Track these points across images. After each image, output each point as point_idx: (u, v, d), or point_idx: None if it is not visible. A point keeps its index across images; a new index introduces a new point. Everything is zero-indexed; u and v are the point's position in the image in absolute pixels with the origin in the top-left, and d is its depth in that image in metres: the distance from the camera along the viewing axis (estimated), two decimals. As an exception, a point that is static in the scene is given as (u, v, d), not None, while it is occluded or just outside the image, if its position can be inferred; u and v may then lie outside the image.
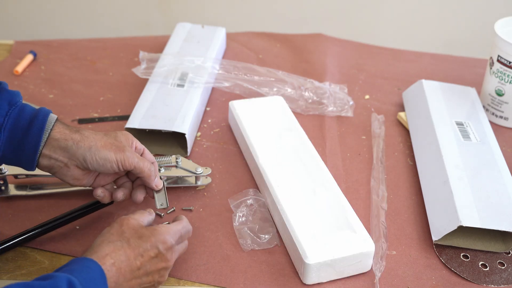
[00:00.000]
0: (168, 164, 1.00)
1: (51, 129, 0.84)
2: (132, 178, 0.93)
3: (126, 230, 0.79)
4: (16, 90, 0.86)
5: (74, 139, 0.84)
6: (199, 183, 1.02)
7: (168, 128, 1.07)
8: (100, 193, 0.90)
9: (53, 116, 0.85)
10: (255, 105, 1.15)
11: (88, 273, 0.71)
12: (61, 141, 0.84)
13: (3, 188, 0.98)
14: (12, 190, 0.99)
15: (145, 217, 0.84)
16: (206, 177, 1.03)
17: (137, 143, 0.90)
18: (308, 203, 0.94)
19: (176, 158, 1.01)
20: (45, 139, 0.83)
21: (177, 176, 1.01)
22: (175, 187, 1.02)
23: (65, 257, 0.90)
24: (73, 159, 0.84)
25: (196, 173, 1.00)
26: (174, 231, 0.82)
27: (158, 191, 0.92)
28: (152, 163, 0.90)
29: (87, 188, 0.91)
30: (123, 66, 1.36)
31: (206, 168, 1.02)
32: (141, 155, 0.90)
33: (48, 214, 0.94)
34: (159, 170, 0.99)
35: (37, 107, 0.86)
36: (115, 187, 0.92)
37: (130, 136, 0.89)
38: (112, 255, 0.75)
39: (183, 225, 0.85)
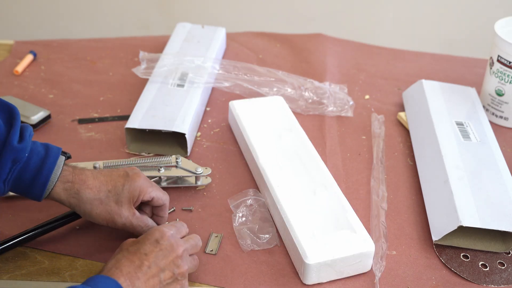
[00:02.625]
0: (168, 164, 1.00)
1: (51, 190, 0.85)
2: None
3: (123, 245, 0.80)
4: (24, 144, 0.83)
5: (72, 203, 0.86)
6: (199, 183, 1.02)
7: (168, 128, 1.07)
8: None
9: (54, 176, 0.84)
10: (255, 105, 1.15)
11: (104, 284, 0.72)
12: (65, 201, 0.86)
13: None
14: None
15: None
16: (206, 177, 1.03)
17: (145, 195, 0.88)
18: (308, 203, 0.94)
19: (176, 158, 1.01)
20: (47, 194, 0.85)
21: (177, 176, 1.01)
22: (175, 187, 1.02)
23: (65, 257, 0.90)
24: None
25: (196, 173, 1.00)
26: (167, 225, 0.83)
27: None
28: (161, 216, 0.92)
29: None
30: (123, 66, 1.36)
31: (206, 168, 1.02)
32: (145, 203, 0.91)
33: (48, 214, 0.94)
34: (159, 170, 0.99)
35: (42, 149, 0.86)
36: None
37: (138, 186, 0.87)
38: (117, 265, 0.75)
39: (175, 221, 0.86)
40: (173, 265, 0.78)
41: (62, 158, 0.85)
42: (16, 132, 0.82)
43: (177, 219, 0.96)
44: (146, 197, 0.88)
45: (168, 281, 0.78)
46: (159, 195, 0.89)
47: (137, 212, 0.88)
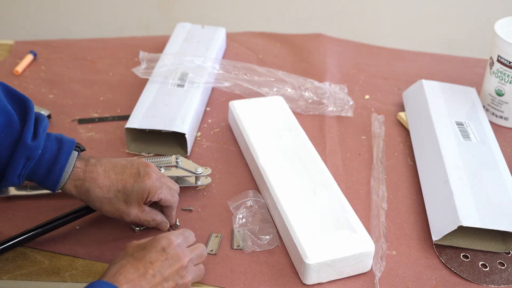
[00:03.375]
0: (168, 164, 1.00)
1: (63, 185, 0.87)
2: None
3: (129, 249, 0.79)
4: (37, 142, 0.84)
5: (82, 199, 0.88)
6: (199, 183, 1.02)
7: (168, 128, 1.07)
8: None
9: (66, 174, 0.86)
10: (255, 105, 1.15)
11: None
12: (74, 195, 0.89)
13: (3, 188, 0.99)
14: (12, 190, 0.99)
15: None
16: (206, 177, 1.03)
17: (153, 196, 0.89)
18: (308, 203, 0.94)
19: (176, 158, 1.01)
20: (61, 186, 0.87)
21: (177, 176, 1.01)
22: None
23: (65, 257, 0.90)
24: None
25: (196, 173, 1.00)
26: (175, 232, 0.82)
27: None
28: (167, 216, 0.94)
29: None
30: (123, 66, 1.36)
31: (206, 168, 1.02)
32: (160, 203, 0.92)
33: (48, 214, 0.94)
34: (159, 170, 0.99)
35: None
36: None
37: (148, 187, 0.88)
38: (121, 271, 0.74)
39: (184, 229, 0.85)
40: (177, 276, 0.78)
41: (74, 154, 0.87)
42: (30, 128, 0.83)
43: (177, 219, 0.96)
44: (154, 198, 0.89)
45: None
46: (167, 197, 0.90)
47: (146, 208, 0.89)
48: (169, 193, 0.91)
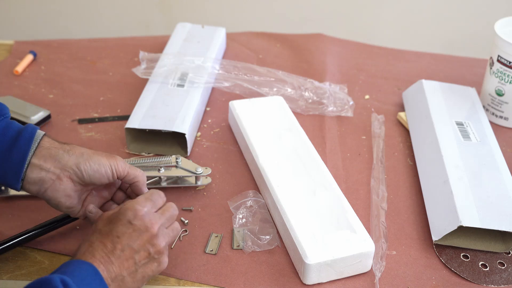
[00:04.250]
0: (168, 164, 1.00)
1: (40, 139, 0.82)
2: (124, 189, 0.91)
3: (98, 223, 0.78)
4: (4, 104, 0.84)
5: (64, 148, 0.83)
6: (199, 183, 1.02)
7: (168, 128, 1.07)
8: (92, 209, 0.86)
9: (40, 132, 0.83)
10: (255, 105, 1.15)
11: (80, 272, 0.71)
12: (52, 149, 0.82)
13: (3, 188, 0.98)
14: (12, 190, 0.99)
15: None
16: (206, 177, 1.03)
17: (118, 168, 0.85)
18: (308, 203, 0.94)
19: (176, 158, 1.01)
20: (35, 148, 0.81)
21: (177, 176, 1.01)
22: (175, 187, 1.02)
23: (65, 257, 0.90)
24: (66, 169, 0.82)
25: (196, 173, 1.00)
26: (141, 199, 0.80)
27: None
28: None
29: None
30: (123, 66, 1.36)
31: (206, 168, 1.02)
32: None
33: (48, 214, 0.94)
34: (159, 170, 0.99)
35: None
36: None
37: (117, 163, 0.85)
38: (89, 250, 0.74)
39: (151, 192, 0.82)
40: (149, 245, 0.77)
41: (39, 133, 0.83)
42: None
43: (186, 221, 0.96)
44: (120, 172, 0.85)
45: (144, 261, 0.76)
46: (130, 171, 0.86)
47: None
48: (135, 169, 0.87)
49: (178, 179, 1.02)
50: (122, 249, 0.75)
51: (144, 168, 0.99)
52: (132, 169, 0.86)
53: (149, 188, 0.87)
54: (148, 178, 0.99)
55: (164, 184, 1.01)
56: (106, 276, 0.73)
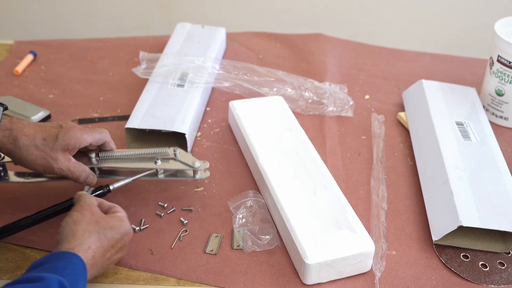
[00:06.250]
0: (166, 156, 0.98)
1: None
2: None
3: (100, 219, 0.82)
4: None
5: (9, 149, 0.89)
6: (197, 177, 1.00)
7: (168, 128, 1.07)
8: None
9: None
10: (255, 105, 1.15)
11: (74, 270, 0.74)
12: (1, 147, 0.90)
13: (2, 174, 0.98)
14: (12, 177, 0.99)
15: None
16: (205, 171, 1.01)
17: (81, 142, 0.92)
18: (308, 203, 0.94)
19: (174, 150, 0.99)
20: None
21: (176, 170, 1.00)
22: (175, 180, 1.01)
23: (65, 257, 0.90)
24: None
25: (193, 167, 0.99)
26: (126, 219, 0.87)
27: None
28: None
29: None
30: (123, 66, 1.36)
31: (204, 162, 0.99)
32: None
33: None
34: (156, 162, 0.98)
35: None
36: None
37: (73, 136, 0.91)
38: (93, 248, 0.79)
39: (120, 209, 0.89)
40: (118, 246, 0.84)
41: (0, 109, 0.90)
42: None
43: (182, 219, 0.97)
44: (84, 144, 0.92)
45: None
46: (97, 137, 0.94)
47: (72, 159, 0.93)
48: (97, 133, 0.93)
49: (177, 172, 1.01)
50: (109, 258, 0.82)
51: (141, 160, 0.98)
52: (93, 135, 0.93)
53: (146, 180, 0.93)
54: (145, 170, 0.98)
55: (161, 176, 0.99)
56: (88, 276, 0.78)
